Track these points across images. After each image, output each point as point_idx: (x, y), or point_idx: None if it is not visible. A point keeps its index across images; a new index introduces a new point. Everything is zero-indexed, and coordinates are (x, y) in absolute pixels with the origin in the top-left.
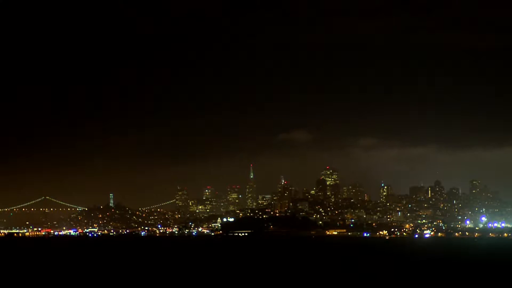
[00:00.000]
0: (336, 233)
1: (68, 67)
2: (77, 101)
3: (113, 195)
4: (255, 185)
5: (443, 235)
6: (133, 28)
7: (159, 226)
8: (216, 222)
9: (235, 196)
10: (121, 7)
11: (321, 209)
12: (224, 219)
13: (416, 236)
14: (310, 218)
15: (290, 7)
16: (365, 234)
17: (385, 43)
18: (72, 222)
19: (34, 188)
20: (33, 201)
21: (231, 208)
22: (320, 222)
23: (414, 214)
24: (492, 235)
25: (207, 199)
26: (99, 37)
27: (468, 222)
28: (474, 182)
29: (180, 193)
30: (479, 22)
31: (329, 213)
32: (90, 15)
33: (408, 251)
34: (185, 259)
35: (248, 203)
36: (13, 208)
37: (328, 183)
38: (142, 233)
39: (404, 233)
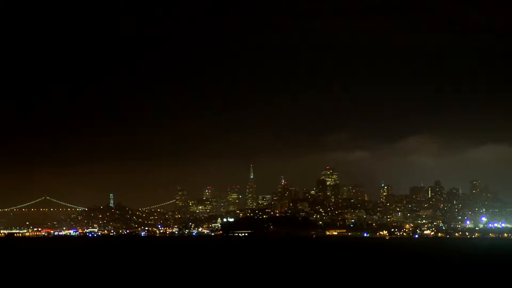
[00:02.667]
0: (336, 233)
1: (68, 68)
2: (77, 101)
3: (113, 195)
4: (255, 185)
5: (443, 235)
6: (134, 28)
7: (159, 226)
8: (216, 222)
9: (235, 196)
10: (123, 7)
11: (321, 209)
12: (224, 219)
13: (417, 236)
14: (310, 218)
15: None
16: (365, 234)
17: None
18: (72, 222)
19: (34, 188)
20: (33, 201)
21: (231, 208)
22: (320, 222)
23: (414, 214)
24: (492, 235)
25: (207, 199)
26: (99, 37)
27: (468, 222)
28: (474, 182)
29: (180, 193)
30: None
31: (329, 213)
32: (87, 15)
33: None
34: (185, 259)
35: (248, 203)
36: (13, 208)
37: (328, 183)
38: (142, 233)
39: (404, 233)
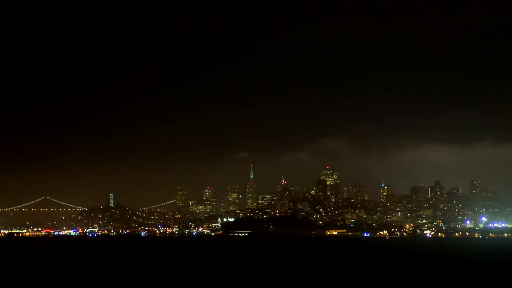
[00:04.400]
0: (336, 233)
1: (68, 67)
2: (77, 101)
3: (113, 195)
4: (255, 185)
5: (443, 235)
6: (133, 28)
7: (159, 226)
8: (216, 222)
9: (235, 196)
10: (122, 7)
11: (321, 209)
12: (224, 219)
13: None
14: (310, 218)
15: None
16: (365, 234)
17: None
18: (72, 222)
19: (34, 188)
20: (33, 201)
21: (231, 208)
22: (320, 222)
23: (414, 214)
24: (492, 235)
25: (207, 199)
26: (98, 37)
27: (468, 222)
28: (474, 182)
29: (180, 193)
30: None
31: (329, 213)
32: (86, 15)
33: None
34: (185, 259)
35: (248, 203)
36: (13, 208)
37: (328, 183)
38: (142, 233)
39: (404, 233)
